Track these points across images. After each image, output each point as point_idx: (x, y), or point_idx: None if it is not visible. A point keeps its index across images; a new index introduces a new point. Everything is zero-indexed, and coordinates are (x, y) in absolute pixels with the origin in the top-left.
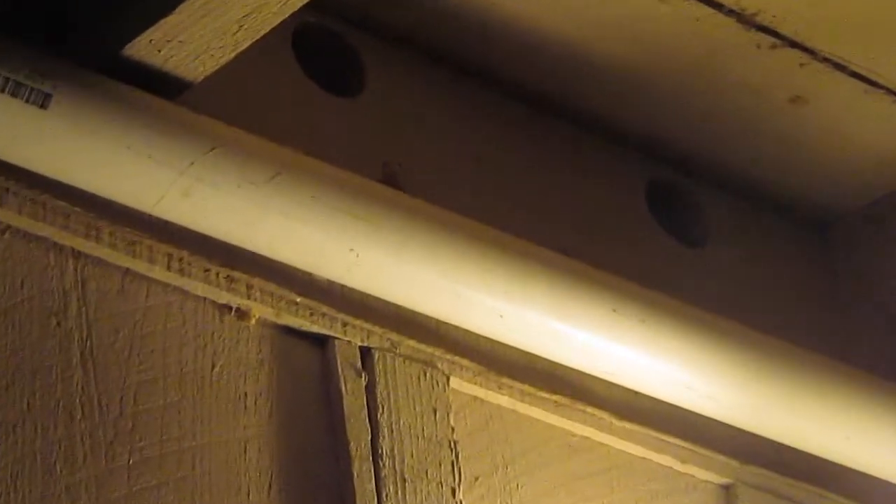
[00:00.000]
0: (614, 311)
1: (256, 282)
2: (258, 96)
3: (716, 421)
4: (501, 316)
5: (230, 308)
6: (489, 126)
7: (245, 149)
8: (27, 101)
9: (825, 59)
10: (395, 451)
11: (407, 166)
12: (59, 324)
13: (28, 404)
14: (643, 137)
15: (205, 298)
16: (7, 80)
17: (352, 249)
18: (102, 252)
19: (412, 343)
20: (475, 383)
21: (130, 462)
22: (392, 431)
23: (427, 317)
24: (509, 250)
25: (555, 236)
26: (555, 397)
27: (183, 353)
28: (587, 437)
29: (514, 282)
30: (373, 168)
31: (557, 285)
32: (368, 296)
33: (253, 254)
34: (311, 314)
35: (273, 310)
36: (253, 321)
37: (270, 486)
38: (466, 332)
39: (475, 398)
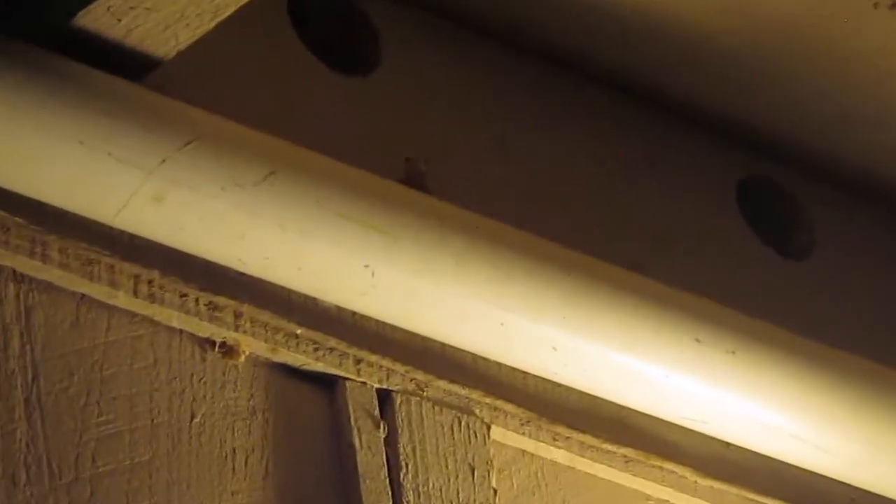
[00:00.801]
0: (698, 340)
1: (246, 309)
2: (246, 77)
3: (830, 479)
4: (555, 349)
5: (213, 343)
6: (538, 112)
7: (231, 142)
8: None
9: None
10: None
11: (435, 163)
12: None
13: None
14: (734, 123)
15: (181, 331)
16: None
17: (366, 266)
18: (52, 274)
19: (443, 384)
20: (523, 434)
21: None
22: (419, 496)
23: (462, 351)
24: (565, 266)
25: (623, 248)
26: (623, 451)
27: (155, 401)
28: (665, 501)
29: (570, 306)
30: (392, 166)
31: (625, 309)
32: (388, 325)
33: (242, 275)
34: (316, 349)
35: (267, 344)
36: (242, 359)
37: None
38: (512, 369)
39: (523, 452)
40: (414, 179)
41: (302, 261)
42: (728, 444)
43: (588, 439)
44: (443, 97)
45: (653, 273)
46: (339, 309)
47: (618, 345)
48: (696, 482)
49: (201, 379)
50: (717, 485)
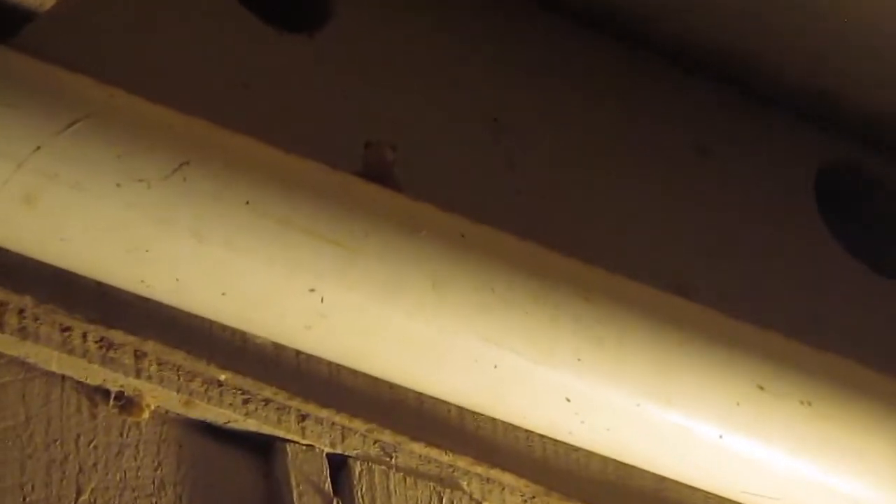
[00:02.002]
0: (761, 388)
1: (151, 348)
2: (151, 37)
3: None
4: (569, 399)
5: (107, 393)
6: (547, 81)
7: (130, 122)
8: None
9: None
10: None
11: (406, 150)
12: None
13: None
14: (812, 95)
15: (63, 377)
16: None
17: (313, 290)
18: None
19: (418, 448)
20: None
21: None
22: None
23: (443, 403)
24: (581, 289)
25: (662, 264)
26: None
27: (27, 472)
28: None
29: (589, 342)
30: (348, 153)
31: (664, 347)
32: (343, 369)
33: (146, 301)
34: (246, 401)
35: (180, 395)
36: (146, 415)
37: None
38: (510, 427)
39: None
40: (377, 171)
41: (226, 282)
42: None
43: None
44: (416, 59)
45: (702, 297)
46: (278, 347)
47: (654, 394)
48: None
49: (91, 442)
50: None
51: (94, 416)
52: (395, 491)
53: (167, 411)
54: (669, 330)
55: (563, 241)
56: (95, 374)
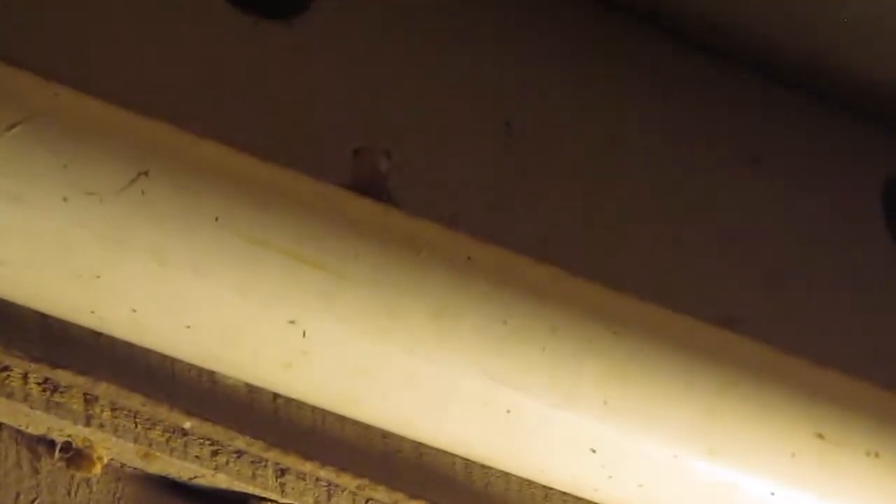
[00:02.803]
0: (821, 436)
1: (104, 391)
2: (104, 27)
3: None
4: (594, 450)
5: (53, 444)
6: (571, 73)
7: (77, 127)
8: None
9: None
10: None
11: (402, 157)
12: None
13: None
14: (880, 96)
15: (1, 426)
16: None
17: (293, 322)
18: None
19: None
20: None
21: None
22: None
23: (446, 455)
24: (610, 320)
25: (707, 291)
26: None
27: None
28: None
29: (618, 382)
30: (335, 161)
31: (708, 388)
32: (329, 415)
33: (98, 336)
34: (216, 453)
35: (138, 446)
36: (98, 469)
37: None
38: (525, 484)
39: None
40: (369, 183)
41: (192, 314)
42: None
43: None
44: (414, 51)
45: (751, 330)
46: (253, 389)
47: (695, 444)
48: None
49: (33, 501)
50: None
51: (36, 472)
52: None
53: (123, 465)
54: (713, 368)
55: (587, 264)
56: (38, 422)
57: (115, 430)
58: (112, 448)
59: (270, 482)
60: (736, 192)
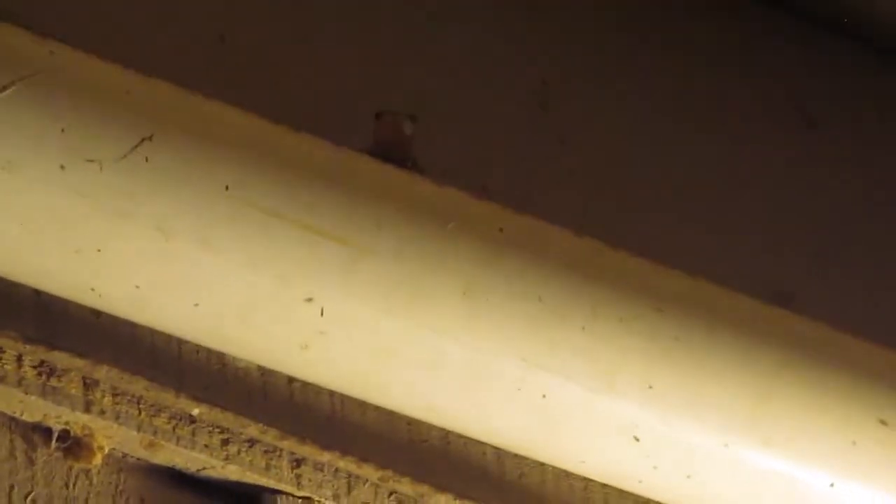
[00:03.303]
0: (884, 422)
1: (105, 374)
2: None
3: None
4: (637, 438)
5: (49, 432)
6: (610, 38)
7: (75, 88)
8: None
9: None
10: None
11: (427, 122)
12: None
13: None
14: None
15: None
16: None
17: (310, 300)
18: None
19: (444, 500)
20: None
21: None
22: None
23: (477, 444)
24: (654, 297)
25: (758, 266)
26: None
27: None
28: None
29: (664, 365)
30: (355, 124)
31: (759, 371)
32: (348, 400)
33: (97, 316)
34: (226, 442)
35: (141, 434)
36: (98, 459)
37: None
38: (562, 475)
39: None
40: (392, 148)
41: (200, 291)
42: None
43: None
44: (441, 4)
45: (807, 307)
46: (266, 373)
47: (747, 432)
48: None
49: (28, 495)
50: None
51: (31, 462)
52: None
53: (125, 455)
54: (766, 350)
55: (629, 236)
56: (34, 409)
57: (117, 417)
58: (113, 437)
59: (285, 474)
60: (789, 158)
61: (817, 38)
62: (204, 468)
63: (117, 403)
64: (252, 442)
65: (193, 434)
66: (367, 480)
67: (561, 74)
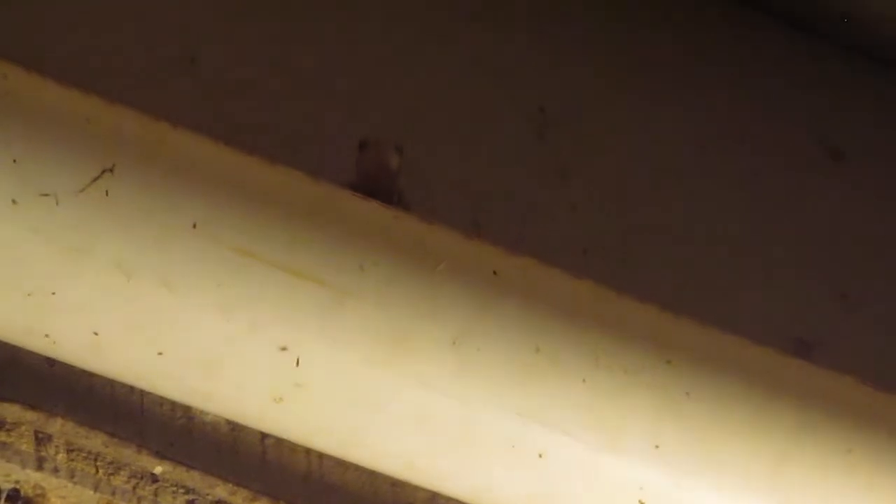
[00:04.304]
0: None
1: (59, 429)
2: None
3: None
4: (643, 502)
5: None
6: (606, 48)
7: (29, 113)
8: None
9: None
10: None
11: (415, 150)
12: None
13: None
14: None
15: None
16: None
17: (284, 349)
18: None
19: None
20: None
21: None
22: None
23: None
24: (658, 343)
25: (775, 310)
26: None
27: None
28: None
29: (673, 422)
30: (337, 155)
31: (775, 427)
32: (326, 459)
33: (51, 364)
34: (192, 501)
35: (99, 494)
36: None
37: None
38: None
39: None
40: (376, 182)
41: (164, 337)
42: None
43: None
44: (431, 27)
45: (831, 358)
46: (236, 427)
47: (764, 497)
48: None
49: None
50: None
51: None
52: None
53: None
54: (786, 405)
55: (635, 279)
56: None
57: (72, 476)
58: (68, 497)
59: None
60: (813, 192)
61: (842, 65)
62: None
63: (72, 460)
64: (220, 503)
65: (156, 494)
66: None
67: (560, 100)
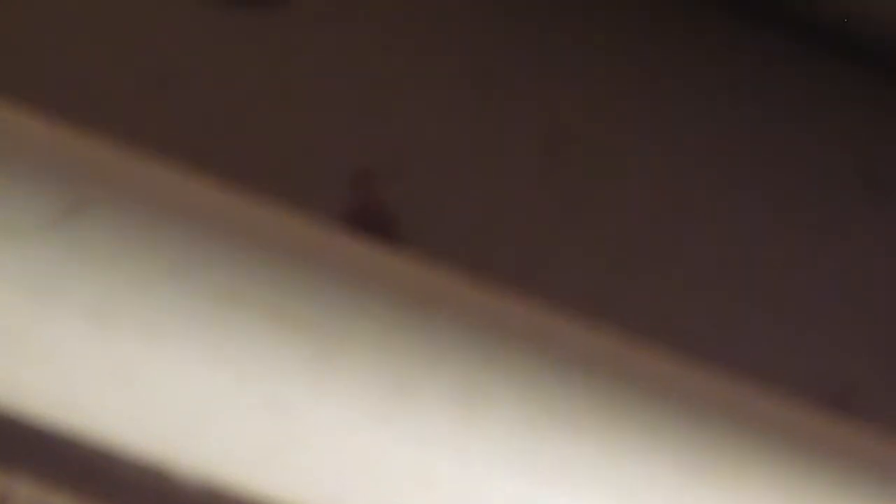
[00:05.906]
0: None
1: (23, 493)
2: (25, 14)
3: None
4: None
5: None
6: (623, 65)
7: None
8: None
9: None
10: None
11: (413, 182)
12: None
13: None
14: None
15: None
16: None
17: (273, 403)
18: None
19: None
20: None
21: None
22: None
23: None
24: (680, 394)
25: (808, 355)
26: None
27: None
28: None
29: (690, 483)
30: (326, 187)
31: (810, 493)
32: None
33: (11, 422)
34: None
35: None
36: None
37: None
38: None
39: None
40: (370, 216)
41: (138, 391)
42: None
43: None
44: (429, 48)
45: (876, 410)
46: (216, 492)
47: None
48: None
49: None
50: None
51: None
52: None
53: None
54: (820, 466)
55: (659, 328)
56: None
57: None
58: None
59: None
60: (849, 219)
61: (882, 88)
62: None
63: None
64: None
65: None
66: None
67: (570, 129)
